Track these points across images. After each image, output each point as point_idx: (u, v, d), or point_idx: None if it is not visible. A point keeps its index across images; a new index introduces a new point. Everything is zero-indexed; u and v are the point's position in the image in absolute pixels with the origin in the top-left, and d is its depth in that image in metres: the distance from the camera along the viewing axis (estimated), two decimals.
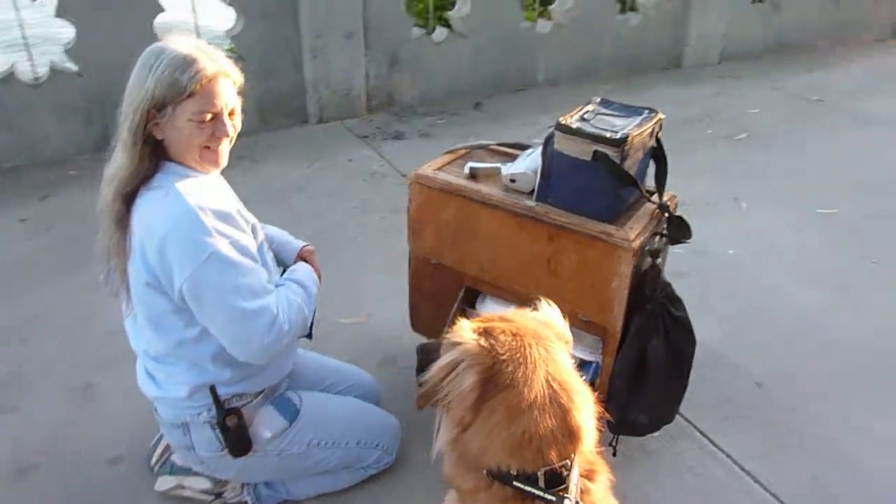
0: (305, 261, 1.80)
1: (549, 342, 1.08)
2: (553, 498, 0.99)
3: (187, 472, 1.83)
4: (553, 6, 5.07)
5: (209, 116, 1.46)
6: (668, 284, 1.79)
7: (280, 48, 4.15)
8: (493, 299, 2.05)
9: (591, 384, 1.86)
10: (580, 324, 1.85)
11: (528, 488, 1.01)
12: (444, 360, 1.05)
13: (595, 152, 1.64)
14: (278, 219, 3.12)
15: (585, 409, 1.05)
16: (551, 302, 1.20)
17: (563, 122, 1.69)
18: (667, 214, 1.76)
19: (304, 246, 1.84)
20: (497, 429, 1.02)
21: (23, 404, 2.17)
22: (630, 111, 1.79)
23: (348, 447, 1.80)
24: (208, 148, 1.50)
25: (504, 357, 1.03)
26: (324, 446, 1.76)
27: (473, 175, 1.94)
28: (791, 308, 2.71)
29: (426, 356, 1.16)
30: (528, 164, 1.86)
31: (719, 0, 5.48)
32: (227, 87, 1.49)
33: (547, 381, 1.04)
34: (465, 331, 1.08)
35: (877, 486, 1.96)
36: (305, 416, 1.73)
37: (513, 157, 2.02)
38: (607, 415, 1.83)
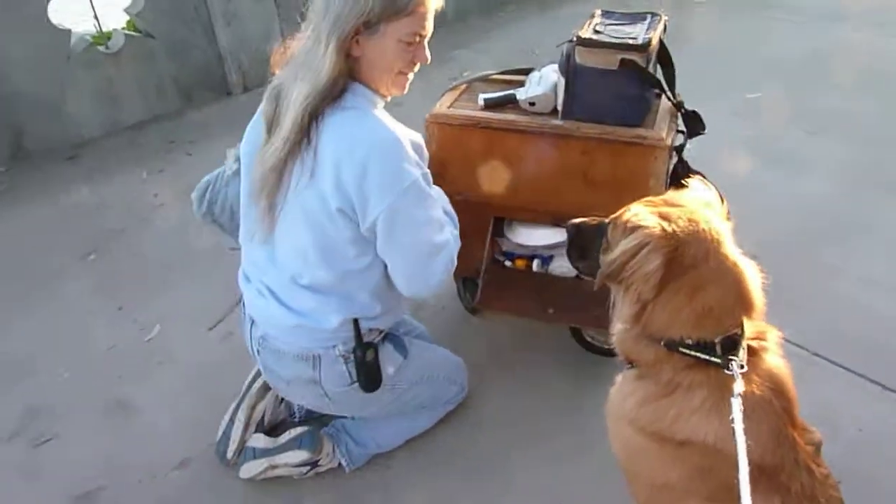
0: None
1: (717, 223, 1.15)
2: (719, 361, 1.09)
3: (273, 451, 1.81)
4: None
5: (417, 39, 1.41)
6: (699, 173, 1.91)
7: (188, 20, 3.90)
8: (520, 223, 2.10)
9: None
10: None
11: (702, 356, 1.10)
12: (630, 243, 1.12)
13: (622, 60, 1.71)
14: None
15: (754, 281, 1.14)
16: (707, 182, 1.27)
17: (583, 36, 1.74)
18: (682, 111, 1.87)
19: None
20: (681, 305, 1.11)
21: (62, 431, 2.04)
22: (634, 17, 1.86)
23: (439, 381, 1.86)
24: (403, 73, 1.46)
25: (685, 239, 1.11)
26: (422, 381, 1.81)
27: (489, 105, 1.96)
28: (754, 186, 2.94)
29: (581, 235, 1.27)
30: (544, 85, 1.91)
31: None
32: (434, 11, 1.44)
33: (721, 259, 1.12)
34: (647, 216, 1.14)
35: None
36: (412, 354, 1.77)
37: (515, 84, 2.05)
38: None
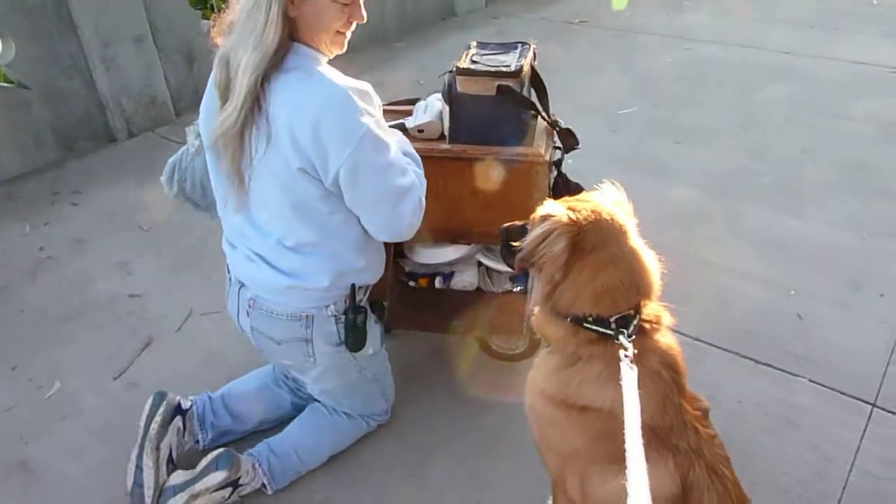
0: None
1: (621, 216, 1.30)
2: (612, 333, 1.23)
3: (191, 481, 1.79)
4: None
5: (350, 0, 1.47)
6: (578, 184, 2.08)
7: (64, 67, 3.79)
8: (419, 244, 2.21)
9: (525, 291, 2.14)
10: None
11: (598, 329, 1.24)
12: (539, 229, 1.26)
13: (499, 86, 1.86)
14: (136, 245, 3.01)
15: (651, 269, 1.28)
16: (615, 183, 1.41)
17: (462, 67, 1.88)
18: (557, 129, 2.05)
19: None
20: (583, 284, 1.24)
21: None
22: (507, 46, 2.03)
23: (379, 389, 1.97)
24: (340, 32, 1.51)
25: (587, 226, 1.25)
26: (374, 380, 1.91)
27: None
28: (631, 194, 3.19)
29: (510, 235, 1.41)
30: (430, 113, 2.03)
31: None
32: None
33: (620, 245, 1.27)
34: (556, 208, 1.28)
35: None
36: (383, 349, 1.91)
37: (403, 114, 2.17)
38: None
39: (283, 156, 1.48)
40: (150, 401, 1.91)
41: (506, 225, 1.48)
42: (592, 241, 1.24)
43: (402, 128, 2.06)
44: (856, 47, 5.00)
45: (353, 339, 1.72)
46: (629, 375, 1.15)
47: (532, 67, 2.06)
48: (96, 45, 3.80)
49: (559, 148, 2.07)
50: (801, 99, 4.23)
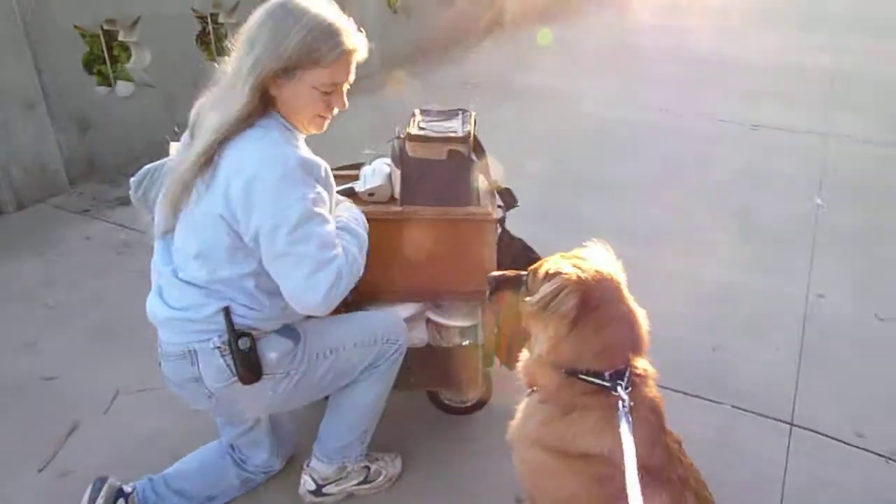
0: None
1: (617, 273, 1.40)
2: (609, 385, 1.33)
3: None
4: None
5: (333, 88, 1.50)
6: (521, 239, 2.21)
7: None
8: (374, 306, 2.24)
9: (476, 344, 2.22)
10: (459, 296, 2.17)
11: (597, 381, 1.34)
12: (551, 286, 1.34)
13: (449, 150, 1.97)
14: (42, 323, 2.82)
15: (643, 326, 1.40)
16: (598, 243, 1.51)
17: (413, 133, 1.98)
18: (499, 189, 2.18)
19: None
20: (587, 339, 1.33)
21: None
22: (448, 114, 2.15)
23: (355, 348, 1.83)
24: (320, 116, 1.54)
25: (594, 285, 1.34)
26: (330, 355, 1.79)
27: None
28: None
29: (501, 284, 1.53)
30: (378, 177, 2.10)
31: (369, 16, 6.12)
32: (355, 62, 1.56)
33: (620, 305, 1.37)
34: (564, 265, 1.37)
35: None
36: (308, 334, 1.76)
37: (349, 178, 2.23)
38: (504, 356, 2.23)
39: (211, 201, 1.53)
40: (89, 488, 1.82)
41: (494, 274, 1.58)
42: (597, 299, 1.35)
43: (352, 191, 2.12)
44: (719, 107, 5.62)
45: (243, 369, 1.60)
46: (626, 426, 1.25)
47: (474, 133, 2.19)
48: None
49: (501, 206, 2.21)
50: (681, 151, 4.69)
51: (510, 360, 2.27)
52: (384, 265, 2.10)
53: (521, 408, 1.52)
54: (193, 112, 1.65)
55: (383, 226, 2.05)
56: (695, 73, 6.58)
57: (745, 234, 3.60)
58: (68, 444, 2.24)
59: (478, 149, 2.18)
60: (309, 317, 1.77)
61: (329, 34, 1.48)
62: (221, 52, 1.67)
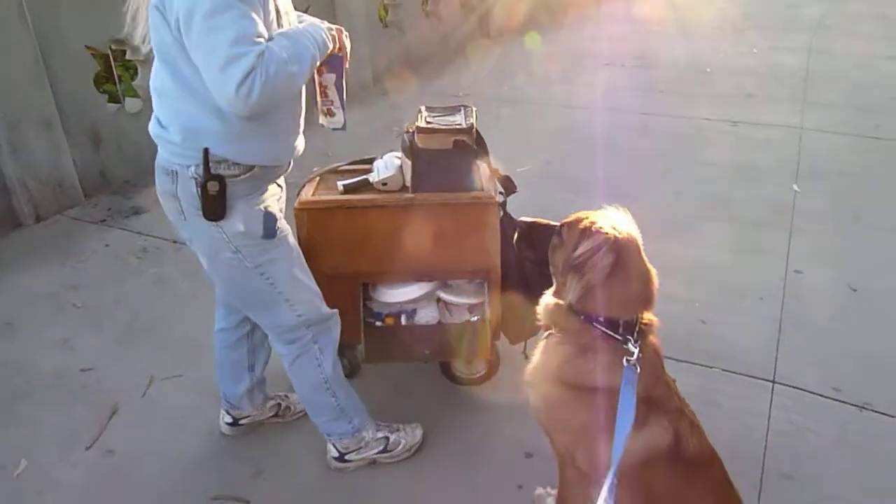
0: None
1: (637, 237, 1.57)
2: (620, 338, 1.53)
3: None
4: None
5: None
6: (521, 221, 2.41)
7: None
8: (383, 286, 2.44)
9: (484, 319, 2.42)
10: (466, 274, 2.39)
11: (609, 332, 1.53)
12: (591, 242, 1.50)
13: (455, 140, 2.19)
14: (72, 322, 2.99)
15: (656, 284, 1.58)
16: (620, 207, 1.65)
17: (421, 126, 2.20)
18: (499, 176, 2.39)
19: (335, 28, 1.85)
20: (613, 292, 1.51)
21: None
22: (452, 109, 2.37)
23: (286, 299, 1.92)
24: None
25: (626, 244, 1.52)
26: (266, 281, 1.87)
27: (348, 190, 2.31)
28: None
29: (533, 231, 1.75)
30: (390, 168, 2.31)
31: (361, 31, 6.36)
32: None
33: (641, 262, 1.55)
34: (603, 223, 1.53)
35: None
36: (276, 246, 1.85)
37: (360, 172, 2.43)
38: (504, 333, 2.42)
39: None
40: None
41: (526, 220, 1.78)
42: (625, 257, 1.52)
43: (367, 182, 2.33)
44: (699, 108, 5.89)
45: (206, 205, 1.71)
46: (631, 375, 1.45)
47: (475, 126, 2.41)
48: (2, 129, 3.77)
49: (501, 192, 2.42)
50: (667, 150, 4.94)
51: (513, 336, 2.48)
52: (397, 248, 2.31)
53: (539, 349, 1.69)
54: None
55: (396, 212, 2.27)
56: (675, 77, 6.86)
57: (728, 221, 3.83)
58: (111, 426, 2.43)
59: (479, 139, 2.40)
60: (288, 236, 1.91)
61: None
62: None
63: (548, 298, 1.67)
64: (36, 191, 3.99)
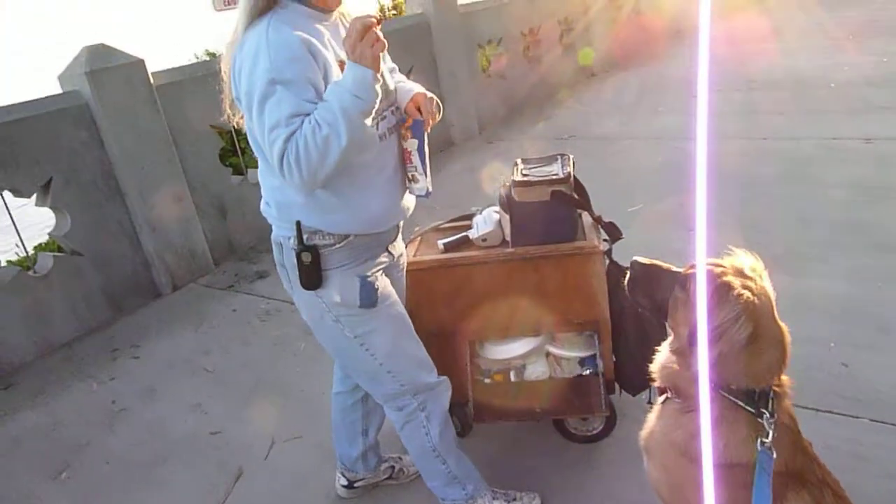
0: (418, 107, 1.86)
1: (771, 294, 1.43)
2: (753, 411, 1.38)
3: None
4: None
5: None
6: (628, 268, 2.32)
7: (114, 231, 4.10)
8: (490, 342, 2.41)
9: (596, 373, 2.32)
10: (574, 327, 2.31)
11: (743, 405, 1.39)
12: (730, 311, 1.34)
13: (553, 191, 2.15)
14: (204, 386, 3.17)
15: (789, 344, 1.43)
16: (753, 253, 1.49)
17: (517, 179, 2.18)
18: (603, 223, 2.32)
19: (418, 91, 1.90)
20: (749, 362, 1.37)
21: None
22: (549, 159, 2.34)
23: (388, 369, 1.91)
24: None
25: (763, 311, 1.38)
26: (365, 347, 1.88)
27: (449, 248, 2.32)
28: None
29: (650, 276, 1.55)
30: (490, 223, 2.31)
31: (464, 83, 6.51)
32: None
33: (776, 326, 1.41)
34: (739, 286, 1.37)
35: None
36: (377, 315, 1.86)
37: (461, 229, 2.44)
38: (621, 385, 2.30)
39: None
40: None
41: (643, 261, 1.59)
42: (762, 324, 1.37)
43: (467, 239, 2.33)
44: (824, 126, 5.49)
45: (302, 275, 1.78)
46: (766, 460, 1.29)
47: (573, 174, 2.36)
48: (141, 208, 4.14)
49: (606, 240, 2.34)
50: (789, 174, 4.61)
51: (630, 387, 2.36)
52: (502, 304, 2.28)
53: (656, 414, 1.57)
54: None
55: (497, 267, 2.24)
56: (792, 97, 6.46)
57: (865, 248, 3.49)
58: (236, 489, 2.52)
59: (579, 187, 2.35)
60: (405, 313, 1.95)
61: None
62: None
63: (665, 356, 1.55)
64: (171, 263, 4.33)
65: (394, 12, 8.63)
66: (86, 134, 3.94)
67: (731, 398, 1.40)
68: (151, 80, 4.15)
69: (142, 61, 4.09)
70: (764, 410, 1.38)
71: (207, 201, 4.55)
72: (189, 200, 4.40)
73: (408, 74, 6.05)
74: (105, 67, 3.90)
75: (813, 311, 3.00)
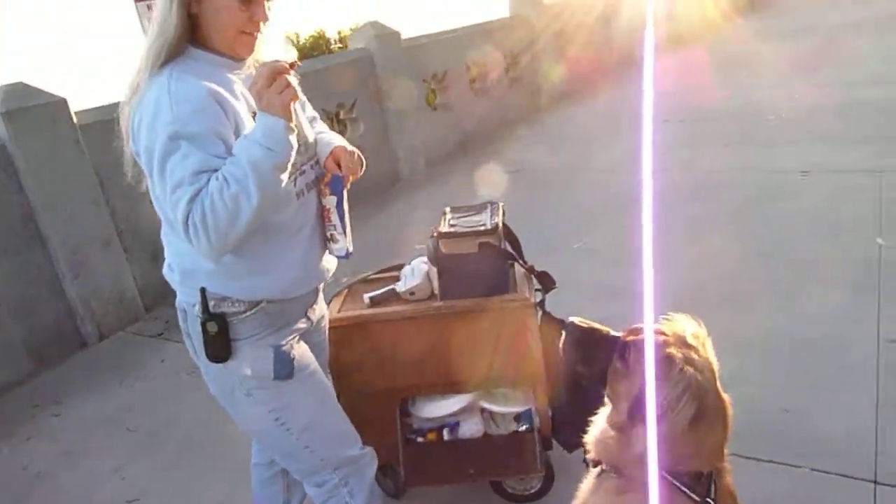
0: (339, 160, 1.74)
1: (714, 364, 1.34)
2: (697, 499, 1.28)
3: None
4: None
5: None
6: (563, 319, 2.24)
7: (34, 279, 3.87)
8: (421, 399, 2.29)
9: (532, 429, 2.22)
10: (508, 383, 2.21)
11: (686, 491, 1.28)
12: (673, 389, 1.24)
13: (480, 243, 2.06)
14: (126, 448, 2.97)
15: (731, 419, 1.33)
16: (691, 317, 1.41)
17: (443, 231, 2.09)
18: (535, 273, 2.24)
19: (338, 145, 1.78)
20: (691, 443, 1.27)
21: None
22: (477, 208, 2.26)
23: (305, 444, 1.76)
24: (245, 33, 1.51)
25: (707, 389, 1.28)
26: (282, 427, 1.71)
27: (375, 302, 2.21)
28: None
29: (589, 341, 1.40)
30: (418, 276, 2.20)
31: (410, 117, 6.44)
32: None
33: (721, 401, 1.31)
34: (681, 362, 1.28)
35: None
36: (294, 387, 1.69)
37: (391, 280, 2.33)
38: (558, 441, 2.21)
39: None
40: None
41: (580, 324, 1.44)
42: (707, 402, 1.27)
43: (394, 292, 2.22)
44: (769, 159, 5.55)
45: (208, 347, 1.61)
46: None
47: (504, 223, 2.28)
48: (64, 253, 3.92)
49: (539, 290, 2.26)
50: (737, 209, 4.65)
51: (566, 442, 2.26)
52: (432, 360, 2.17)
53: (590, 488, 1.46)
54: None
55: (426, 322, 2.14)
56: (738, 128, 6.58)
57: (806, 284, 3.50)
58: None
59: (510, 235, 2.27)
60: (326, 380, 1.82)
61: None
62: None
63: (602, 429, 1.43)
64: (98, 310, 4.11)
65: (339, 45, 8.59)
66: (2, 176, 3.73)
67: (676, 483, 1.30)
68: (75, 120, 3.96)
69: (64, 100, 3.90)
70: (709, 500, 1.28)
71: (137, 244, 4.35)
72: (117, 244, 4.20)
73: (351, 108, 5.97)
74: (22, 107, 3.71)
75: (751, 350, 2.96)
